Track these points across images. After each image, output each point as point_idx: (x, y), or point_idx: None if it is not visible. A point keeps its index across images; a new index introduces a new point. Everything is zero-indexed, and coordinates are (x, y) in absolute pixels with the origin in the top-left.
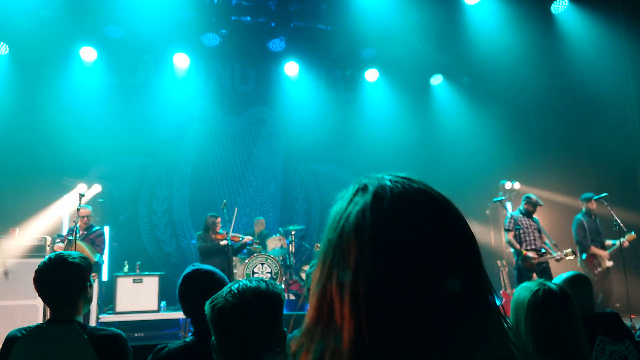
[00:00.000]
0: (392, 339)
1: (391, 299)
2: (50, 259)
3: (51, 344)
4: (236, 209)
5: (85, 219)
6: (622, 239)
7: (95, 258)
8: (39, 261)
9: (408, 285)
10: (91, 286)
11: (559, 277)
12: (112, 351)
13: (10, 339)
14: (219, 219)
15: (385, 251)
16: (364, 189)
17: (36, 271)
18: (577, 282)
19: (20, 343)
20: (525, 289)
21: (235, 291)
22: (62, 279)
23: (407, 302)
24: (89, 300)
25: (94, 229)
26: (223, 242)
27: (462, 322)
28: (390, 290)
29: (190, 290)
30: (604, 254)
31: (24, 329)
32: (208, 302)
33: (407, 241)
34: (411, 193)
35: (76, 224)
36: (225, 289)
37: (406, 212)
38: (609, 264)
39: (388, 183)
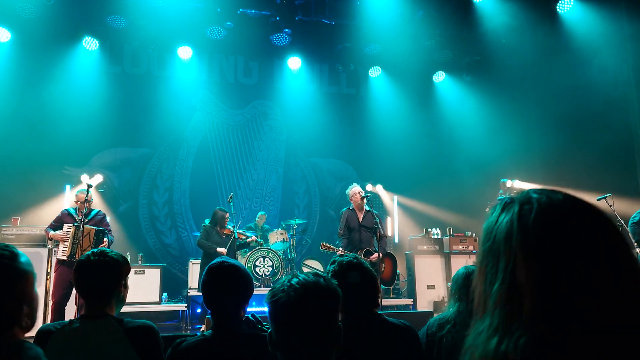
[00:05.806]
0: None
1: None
2: (93, 252)
3: (87, 336)
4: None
5: (89, 204)
6: None
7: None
8: (39, 251)
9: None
10: (126, 287)
11: None
12: (146, 340)
13: (44, 333)
14: (227, 214)
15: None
16: (510, 202)
17: (77, 262)
18: None
19: (56, 337)
20: None
21: (297, 285)
22: (100, 272)
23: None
24: (122, 301)
25: (94, 212)
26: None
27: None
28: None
29: (214, 283)
30: None
31: (58, 323)
32: (268, 295)
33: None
34: (556, 202)
35: (84, 209)
36: (284, 283)
37: (564, 217)
38: None
39: (534, 195)
